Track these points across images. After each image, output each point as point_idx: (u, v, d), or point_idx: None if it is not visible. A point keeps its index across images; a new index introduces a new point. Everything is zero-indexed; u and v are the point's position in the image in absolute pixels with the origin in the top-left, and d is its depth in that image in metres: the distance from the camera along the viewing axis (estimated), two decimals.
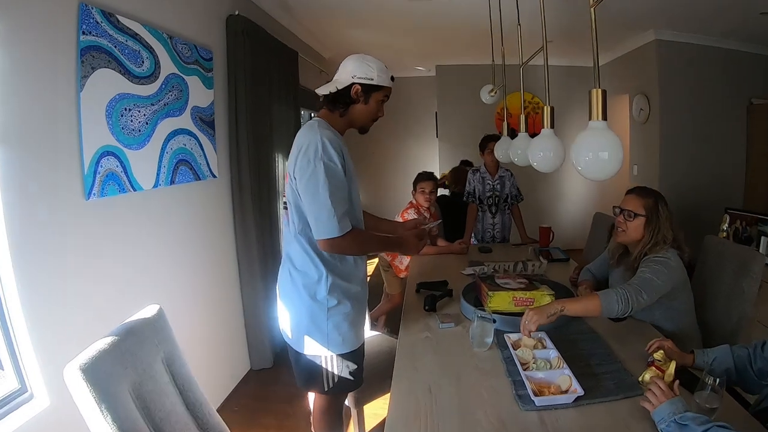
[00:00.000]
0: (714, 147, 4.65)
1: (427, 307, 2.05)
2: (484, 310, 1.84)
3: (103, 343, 1.25)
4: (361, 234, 1.75)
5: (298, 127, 3.85)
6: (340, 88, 1.73)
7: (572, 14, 3.55)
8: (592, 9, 1.31)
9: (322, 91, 1.77)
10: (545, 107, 1.86)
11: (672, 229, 1.90)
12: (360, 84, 1.72)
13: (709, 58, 4.53)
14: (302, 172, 1.63)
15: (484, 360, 1.66)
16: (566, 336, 1.76)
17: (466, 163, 5.93)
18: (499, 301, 1.87)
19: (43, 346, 1.67)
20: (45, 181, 1.70)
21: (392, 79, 1.80)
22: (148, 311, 1.49)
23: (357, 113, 1.79)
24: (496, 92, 3.63)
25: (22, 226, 1.61)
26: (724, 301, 2.08)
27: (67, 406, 1.61)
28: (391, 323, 3.47)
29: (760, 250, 3.26)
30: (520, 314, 1.80)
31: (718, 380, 1.21)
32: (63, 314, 1.76)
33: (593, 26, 1.32)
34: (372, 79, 1.72)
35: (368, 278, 1.93)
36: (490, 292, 1.88)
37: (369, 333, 2.25)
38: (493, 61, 3.27)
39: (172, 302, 2.37)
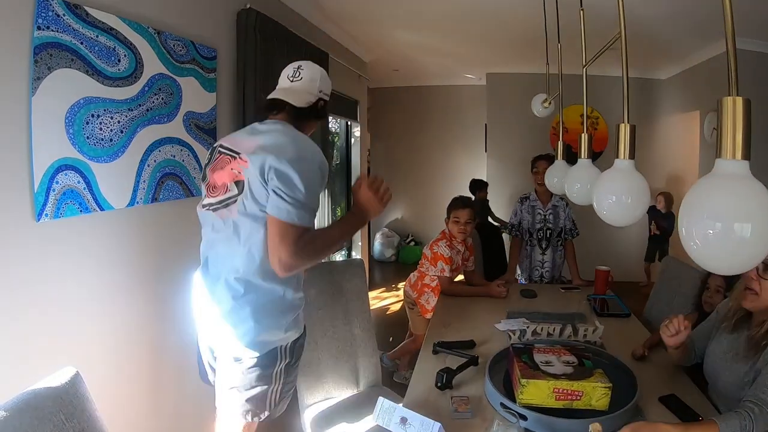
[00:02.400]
0: None
1: (439, 385, 1.56)
2: (513, 402, 1.34)
3: None
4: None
5: (325, 135, 3.46)
6: (312, 101, 1.62)
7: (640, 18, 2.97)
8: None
9: (299, 102, 1.59)
10: (623, 125, 1.22)
11: None
12: (324, 100, 1.67)
13: None
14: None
15: None
16: None
17: (476, 183, 5.33)
18: (535, 392, 1.35)
19: None
20: None
21: None
22: (58, 378, 1.12)
23: (310, 128, 1.69)
24: (550, 103, 3.07)
25: None
26: None
27: None
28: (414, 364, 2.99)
29: None
30: (560, 411, 1.31)
31: None
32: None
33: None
34: (329, 97, 1.69)
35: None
36: (523, 380, 1.36)
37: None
38: (547, 65, 2.73)
39: (146, 344, 2.03)
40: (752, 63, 3.84)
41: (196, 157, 2.23)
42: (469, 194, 4.71)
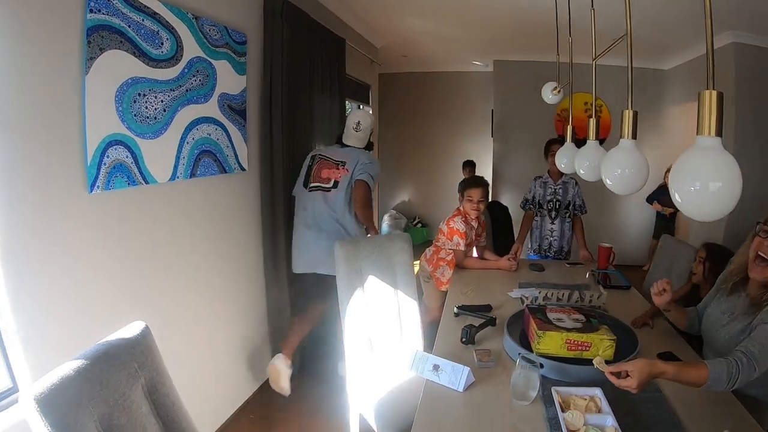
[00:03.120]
0: None
1: (464, 339, 1.70)
2: (530, 352, 1.48)
3: (66, 368, 1.03)
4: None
5: (341, 119, 3.57)
6: (366, 142, 2.86)
7: (646, 9, 3.04)
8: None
9: (361, 145, 2.82)
10: (627, 111, 1.42)
11: None
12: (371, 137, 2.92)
13: None
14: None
15: (525, 419, 1.31)
16: (625, 394, 1.35)
17: (469, 164, 5.51)
18: (550, 343, 1.49)
19: (32, 348, 1.48)
20: (44, 170, 1.50)
21: None
22: (130, 331, 1.25)
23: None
24: (559, 91, 3.17)
25: (18, 218, 1.42)
26: None
27: None
28: (426, 338, 3.14)
29: None
30: (572, 360, 1.46)
31: None
32: (59, 313, 1.56)
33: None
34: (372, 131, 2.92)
35: None
36: (539, 332, 1.50)
37: (408, 376, 1.94)
38: (558, 55, 2.82)
39: (185, 306, 2.17)
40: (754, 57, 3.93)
41: (228, 136, 2.35)
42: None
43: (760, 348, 1.30)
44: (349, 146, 2.77)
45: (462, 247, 2.76)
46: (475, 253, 3.09)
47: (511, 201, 4.94)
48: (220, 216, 2.39)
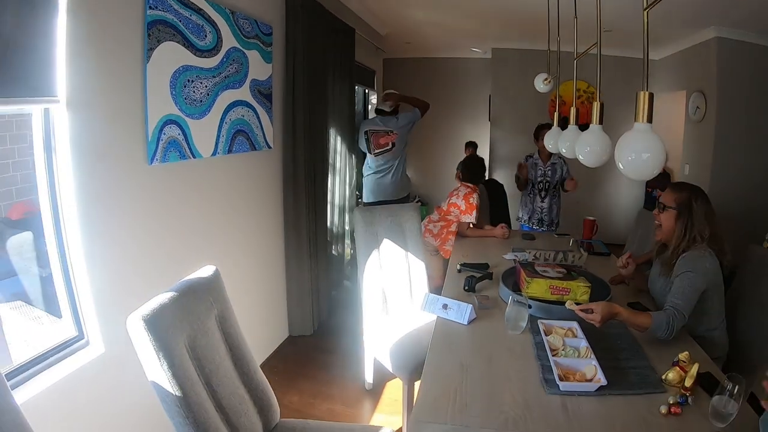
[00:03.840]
0: None
1: (467, 287, 2.03)
2: (521, 295, 1.80)
3: (163, 297, 1.29)
4: None
5: (352, 102, 3.84)
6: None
7: (633, 3, 3.28)
8: (645, 12, 1.21)
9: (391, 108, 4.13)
10: (595, 103, 1.75)
11: (709, 225, 1.77)
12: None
13: None
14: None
15: (516, 343, 1.63)
16: (599, 330, 1.68)
17: (471, 144, 5.82)
18: (537, 288, 1.82)
19: (102, 298, 1.74)
20: (110, 144, 1.76)
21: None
22: (205, 271, 1.52)
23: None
24: (550, 81, 3.45)
25: (89, 185, 1.67)
26: (758, 309, 1.94)
27: (121, 353, 1.71)
28: None
29: None
30: (556, 302, 1.78)
31: (737, 387, 1.15)
32: (122, 269, 1.83)
33: (645, 29, 1.28)
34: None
35: None
36: (528, 279, 1.82)
37: (425, 320, 2.27)
38: (548, 49, 3.09)
39: (220, 265, 2.46)
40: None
41: (258, 117, 2.62)
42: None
43: (681, 299, 1.64)
44: (385, 115, 4.05)
45: (474, 220, 3.10)
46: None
47: (506, 179, 5.22)
48: (249, 186, 2.68)
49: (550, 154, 3.52)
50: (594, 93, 5.68)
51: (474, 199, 3.13)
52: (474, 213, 3.12)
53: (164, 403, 1.21)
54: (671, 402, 1.27)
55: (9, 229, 2.14)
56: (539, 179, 3.61)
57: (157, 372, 1.18)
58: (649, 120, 1.30)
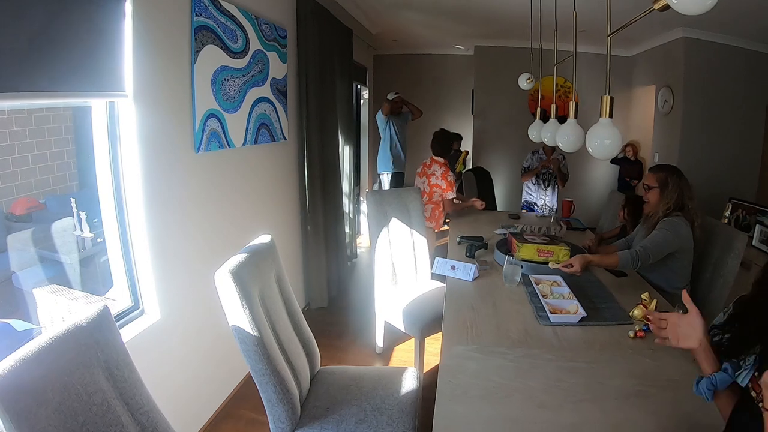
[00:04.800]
0: (730, 143, 4.78)
1: (468, 254, 2.40)
2: (514, 258, 2.18)
3: (240, 256, 1.54)
4: None
5: (351, 98, 4.16)
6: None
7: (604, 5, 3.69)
8: (608, 38, 1.60)
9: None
10: (571, 102, 2.15)
11: (684, 198, 2.19)
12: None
13: (734, 58, 4.61)
14: None
15: (513, 293, 2.02)
16: (578, 283, 2.06)
17: (456, 136, 6.30)
18: (527, 251, 2.20)
19: (158, 271, 2.00)
20: (166, 134, 2.03)
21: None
22: (264, 238, 1.79)
23: None
24: (532, 80, 3.84)
25: (149, 170, 1.93)
26: (711, 271, 2.36)
27: (174, 320, 2.03)
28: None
29: (754, 236, 3.54)
30: (543, 263, 2.16)
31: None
32: (175, 245, 2.10)
33: (608, 52, 1.66)
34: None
35: None
36: (519, 244, 2.21)
37: (433, 285, 2.65)
38: (531, 51, 3.48)
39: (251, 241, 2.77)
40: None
41: (276, 112, 2.93)
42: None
43: (650, 243, 2.08)
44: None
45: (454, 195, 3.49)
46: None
47: (490, 168, 5.62)
48: (270, 173, 2.99)
49: (553, 149, 4.08)
50: (571, 88, 6.13)
51: (450, 176, 3.49)
52: (454, 188, 3.49)
53: (243, 344, 1.46)
54: (637, 329, 1.66)
55: (50, 218, 2.41)
56: (543, 171, 4.19)
57: (240, 317, 1.44)
58: (610, 116, 1.70)
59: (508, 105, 6.11)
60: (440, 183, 3.49)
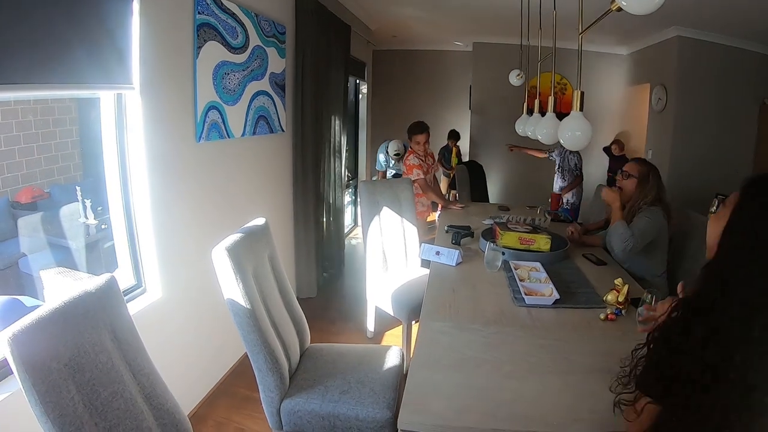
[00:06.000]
0: (724, 141, 4.86)
1: (454, 241, 2.53)
2: (496, 245, 2.30)
3: (236, 236, 1.65)
4: None
5: (346, 93, 4.27)
6: None
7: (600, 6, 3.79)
8: (580, 36, 1.73)
9: None
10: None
11: (661, 194, 2.33)
12: None
13: (728, 57, 4.68)
14: None
15: (493, 277, 2.14)
16: (557, 270, 2.18)
17: (453, 134, 6.49)
18: (509, 239, 2.32)
19: (161, 251, 2.13)
20: (169, 124, 2.15)
21: None
22: (259, 221, 1.90)
23: None
24: (522, 76, 3.95)
25: (153, 158, 2.05)
26: (690, 261, 2.48)
27: (175, 298, 2.15)
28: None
29: None
30: (525, 250, 2.28)
31: (653, 296, 1.62)
32: (177, 227, 2.23)
33: (579, 51, 1.79)
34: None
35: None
36: (501, 232, 2.33)
37: (422, 271, 2.77)
38: (521, 48, 3.58)
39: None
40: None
41: (275, 105, 3.04)
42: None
43: (636, 230, 2.23)
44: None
45: (422, 176, 3.53)
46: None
47: (485, 162, 5.72)
48: (268, 163, 3.11)
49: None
50: (567, 84, 6.21)
51: (411, 159, 3.56)
52: (415, 171, 3.51)
53: (236, 316, 1.58)
54: (608, 312, 1.75)
55: (54, 207, 2.52)
56: (560, 164, 4.47)
57: (234, 291, 1.56)
58: (581, 110, 1.86)
59: (504, 101, 6.20)
60: (404, 169, 3.60)
